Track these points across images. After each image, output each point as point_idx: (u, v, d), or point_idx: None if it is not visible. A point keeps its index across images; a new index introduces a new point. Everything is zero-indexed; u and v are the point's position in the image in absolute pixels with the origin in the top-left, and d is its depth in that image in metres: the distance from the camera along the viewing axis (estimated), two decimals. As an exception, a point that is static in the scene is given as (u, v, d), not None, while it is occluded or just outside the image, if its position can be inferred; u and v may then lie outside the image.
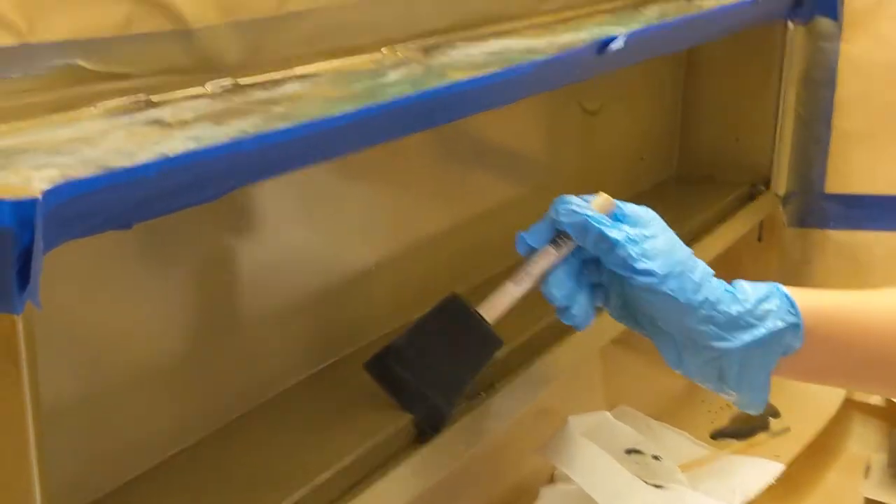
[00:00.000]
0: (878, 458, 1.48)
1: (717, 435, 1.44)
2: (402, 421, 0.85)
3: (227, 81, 0.80)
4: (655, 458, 1.26)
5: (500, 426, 0.97)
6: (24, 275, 0.49)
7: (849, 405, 1.49)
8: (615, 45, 0.94)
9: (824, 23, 1.47)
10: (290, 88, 0.79)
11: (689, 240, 1.39)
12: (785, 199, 1.57)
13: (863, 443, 1.50)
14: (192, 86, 0.78)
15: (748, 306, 0.80)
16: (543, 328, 1.06)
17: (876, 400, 1.46)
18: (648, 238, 0.81)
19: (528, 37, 1.05)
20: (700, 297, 0.78)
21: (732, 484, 1.27)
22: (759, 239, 1.60)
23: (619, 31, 1.08)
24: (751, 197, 1.56)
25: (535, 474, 1.24)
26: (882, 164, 1.48)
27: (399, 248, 1.07)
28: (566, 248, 0.82)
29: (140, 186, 0.55)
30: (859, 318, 0.85)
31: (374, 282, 1.04)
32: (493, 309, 0.85)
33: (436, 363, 0.84)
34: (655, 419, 1.39)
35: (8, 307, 0.49)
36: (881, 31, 1.43)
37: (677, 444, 1.35)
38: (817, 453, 1.44)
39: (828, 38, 1.47)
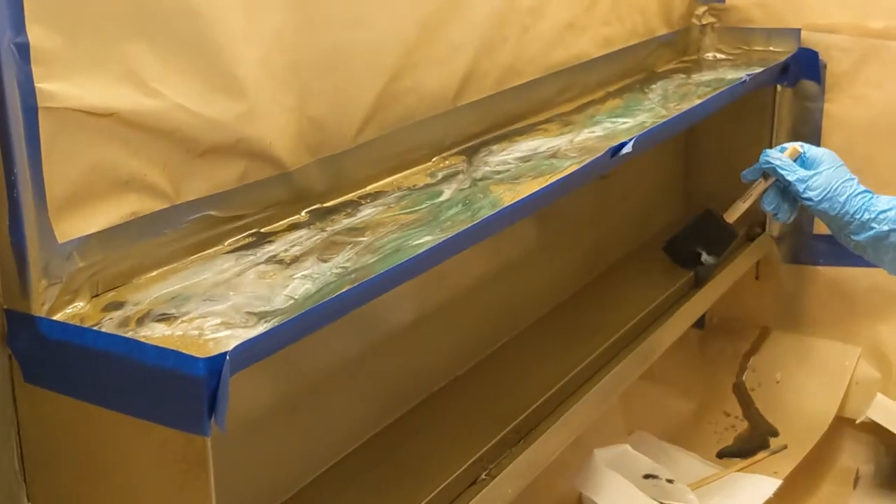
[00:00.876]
0: (867, 470, 1.66)
1: (723, 454, 1.63)
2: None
3: (316, 206, 1.00)
4: (669, 481, 1.44)
5: (540, 466, 1.15)
6: (211, 407, 0.69)
7: (840, 422, 1.66)
8: (626, 150, 1.13)
9: (809, 85, 1.64)
10: (368, 213, 0.98)
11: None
12: (779, 240, 1.75)
13: (853, 456, 1.67)
14: (291, 215, 0.97)
15: (871, 216, 1.25)
16: (573, 377, 1.24)
17: (863, 417, 1.63)
18: (812, 176, 1.27)
19: (551, 135, 1.24)
20: (842, 211, 1.25)
21: (736, 500, 1.47)
22: (756, 278, 1.79)
23: (628, 122, 1.27)
24: (749, 238, 1.74)
25: (564, 498, 1.43)
26: None
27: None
28: (771, 180, 1.31)
29: (287, 335, 0.75)
30: None
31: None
32: (731, 216, 1.42)
33: (703, 244, 1.48)
34: (669, 442, 1.58)
35: (200, 431, 0.69)
36: (859, 92, 1.60)
37: (688, 465, 1.53)
38: (811, 467, 1.62)
39: (812, 98, 1.65)
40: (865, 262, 1.66)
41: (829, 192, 1.26)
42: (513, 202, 0.97)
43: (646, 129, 1.18)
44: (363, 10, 1.00)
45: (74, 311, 0.77)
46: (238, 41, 0.87)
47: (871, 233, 1.24)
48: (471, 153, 1.17)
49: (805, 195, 1.27)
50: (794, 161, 1.30)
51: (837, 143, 1.64)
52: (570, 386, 1.25)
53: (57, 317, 0.76)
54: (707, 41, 1.72)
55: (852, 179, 1.28)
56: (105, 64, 0.76)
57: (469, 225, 0.91)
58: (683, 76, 1.56)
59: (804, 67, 1.63)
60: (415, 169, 1.12)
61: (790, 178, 1.27)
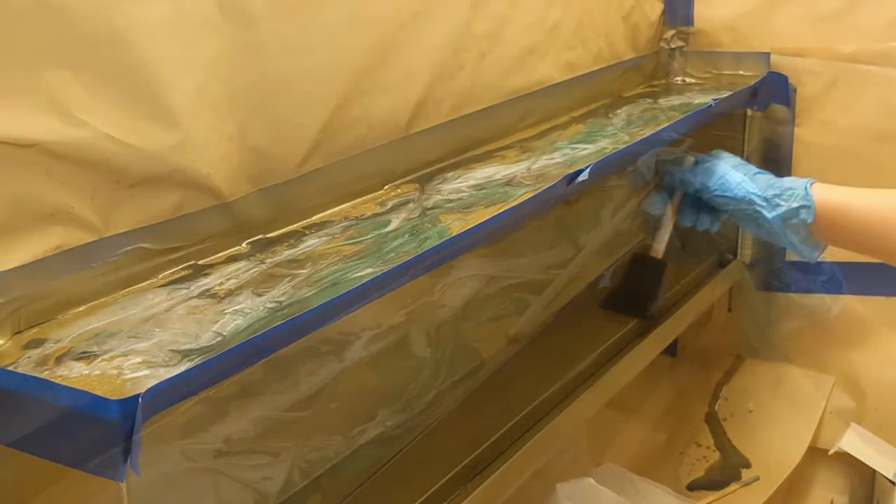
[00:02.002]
0: (841, 501, 1.63)
1: (693, 486, 1.60)
2: None
3: (258, 237, 0.97)
4: (635, 515, 1.42)
5: (503, 496, 1.12)
6: (126, 450, 0.66)
7: (813, 452, 1.63)
8: (581, 178, 1.10)
9: (779, 109, 1.62)
10: (311, 243, 0.95)
11: (672, 304, 1.55)
12: (751, 267, 1.73)
13: (827, 487, 1.64)
14: (231, 246, 0.95)
15: (778, 192, 1.19)
16: (532, 409, 1.21)
17: (836, 448, 1.61)
18: (701, 165, 1.28)
19: (508, 161, 1.21)
20: (746, 193, 1.22)
21: (706, 534, 1.44)
22: (729, 309, 1.76)
23: (588, 149, 1.25)
24: (720, 265, 1.72)
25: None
26: None
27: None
28: (677, 196, 1.33)
29: (208, 374, 0.72)
30: (858, 205, 1.18)
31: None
32: (657, 251, 1.38)
33: (640, 286, 1.42)
34: (638, 474, 1.55)
35: (115, 476, 0.66)
36: (829, 117, 1.58)
37: (656, 499, 1.50)
38: (784, 499, 1.59)
39: (783, 122, 1.63)
40: (836, 289, 1.66)
41: (725, 175, 1.25)
42: (460, 232, 0.94)
43: (604, 156, 1.15)
44: (306, 37, 0.97)
45: (-7, 348, 0.74)
46: (171, 69, 0.84)
47: (781, 210, 1.20)
48: (424, 181, 1.14)
49: (699, 184, 1.26)
50: None
51: (809, 167, 1.63)
52: (530, 418, 1.21)
53: (-28, 356, 0.73)
54: (676, 65, 1.71)
55: (748, 165, 1.28)
56: (26, 93, 0.74)
57: (412, 256, 0.88)
58: (650, 101, 1.54)
59: (774, 91, 1.61)
60: (364, 198, 1.09)
61: (679, 175, 1.28)
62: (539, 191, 1.06)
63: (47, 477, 0.74)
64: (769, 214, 1.20)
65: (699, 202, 1.30)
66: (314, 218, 1.03)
